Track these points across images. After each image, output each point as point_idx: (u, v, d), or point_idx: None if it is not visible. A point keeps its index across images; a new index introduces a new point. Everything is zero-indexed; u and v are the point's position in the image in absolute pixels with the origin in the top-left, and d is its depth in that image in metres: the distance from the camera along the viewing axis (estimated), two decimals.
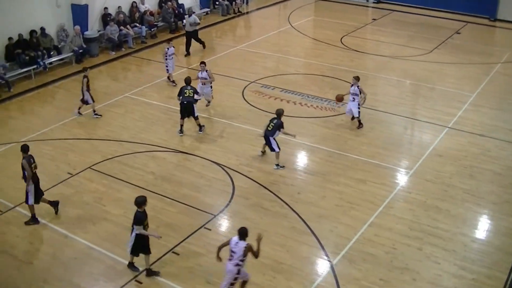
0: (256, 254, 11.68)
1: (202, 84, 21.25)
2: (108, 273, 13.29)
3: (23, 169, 14.67)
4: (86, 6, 27.42)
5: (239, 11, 35.81)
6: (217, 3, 35.56)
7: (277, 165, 17.65)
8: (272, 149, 17.57)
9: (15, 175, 17.06)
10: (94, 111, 21.18)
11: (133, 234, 12.65)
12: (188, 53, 28.15)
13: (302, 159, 18.61)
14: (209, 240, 14.36)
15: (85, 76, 20.54)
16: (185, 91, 19.39)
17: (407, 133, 20.28)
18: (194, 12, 29.05)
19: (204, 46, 28.78)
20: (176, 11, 31.97)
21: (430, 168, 17.66)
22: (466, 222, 15.21)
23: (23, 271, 13.36)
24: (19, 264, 13.60)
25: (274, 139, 17.48)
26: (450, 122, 20.52)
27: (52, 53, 26.42)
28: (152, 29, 30.33)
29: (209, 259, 13.57)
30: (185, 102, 19.33)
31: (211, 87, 21.49)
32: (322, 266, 13.61)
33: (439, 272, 13.29)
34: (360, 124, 20.08)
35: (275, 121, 17.48)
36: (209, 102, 21.86)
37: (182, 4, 33.13)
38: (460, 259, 13.70)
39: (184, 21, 29.54)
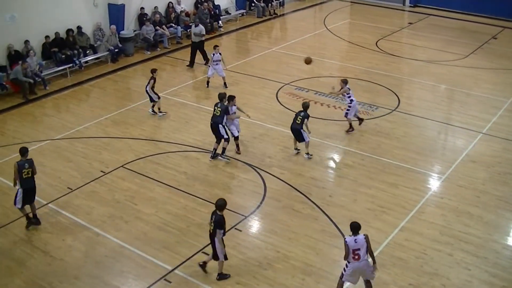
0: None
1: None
2: (138, 272, 13.34)
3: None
4: (123, 5, 27.63)
5: (274, 13, 35.78)
6: (253, 4, 35.56)
7: (307, 153, 18.09)
8: (303, 139, 17.86)
9: (51, 172, 17.36)
10: (159, 109, 21.44)
11: (219, 238, 12.43)
12: (191, 65, 26.83)
13: (334, 162, 18.50)
14: (239, 241, 14.33)
15: (152, 77, 20.75)
16: (215, 108, 18.14)
17: (440, 138, 20.03)
18: (199, 23, 27.13)
19: (206, 62, 26.66)
20: (212, 12, 32.03)
21: (463, 173, 17.41)
22: (498, 229, 14.95)
23: (54, 267, 13.47)
24: (51, 260, 13.72)
25: (303, 130, 17.69)
26: (484, 128, 20.22)
27: (88, 52, 26.72)
28: (187, 30, 30.43)
29: (238, 260, 13.57)
30: (211, 123, 18.15)
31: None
32: None
33: (469, 278, 13.07)
34: (350, 128, 20.02)
35: (302, 113, 17.73)
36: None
37: (218, 5, 33.24)
38: (491, 266, 13.46)
39: (190, 31, 28.17)
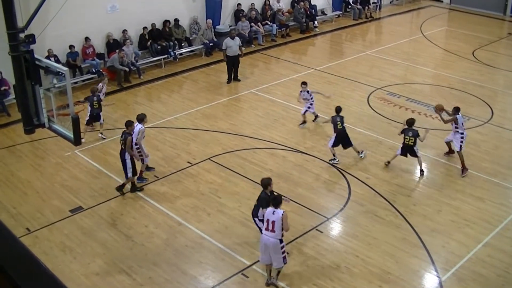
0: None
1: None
2: (216, 264, 13.38)
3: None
4: (220, 0, 27.87)
5: (371, 16, 35.30)
6: (349, 6, 35.21)
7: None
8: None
9: None
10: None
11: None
12: (230, 80, 24.56)
13: (421, 171, 18.00)
14: (319, 243, 14.16)
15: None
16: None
17: None
18: (235, 35, 24.73)
19: (232, 79, 24.56)
20: (308, 12, 31.91)
21: None
22: None
23: (135, 252, 13.69)
24: (133, 245, 13.96)
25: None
26: None
27: (183, 44, 27.10)
28: (282, 28, 30.42)
29: (317, 261, 13.41)
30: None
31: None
32: (430, 281, 13.08)
33: None
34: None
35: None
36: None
37: (315, 5, 33.05)
38: None
39: (225, 44, 24.10)
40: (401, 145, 17.25)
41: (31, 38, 10.12)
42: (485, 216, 15.39)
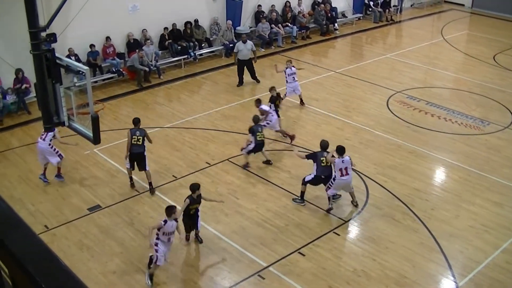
0: None
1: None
2: (233, 265, 13.38)
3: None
4: (241, 2, 27.88)
5: (391, 19, 35.12)
6: (370, 9, 35.06)
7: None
8: None
9: (157, 159, 17.74)
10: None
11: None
12: (241, 83, 24.33)
13: (440, 175, 17.91)
14: (336, 245, 14.13)
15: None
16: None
17: None
18: (247, 39, 24.24)
19: (255, 79, 24.54)
20: (329, 14, 31.83)
21: None
22: None
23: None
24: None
25: None
26: None
27: (203, 45, 27.15)
28: (302, 30, 30.39)
29: (333, 264, 13.39)
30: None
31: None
32: (447, 287, 13.04)
33: None
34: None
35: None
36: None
37: (335, 8, 32.98)
38: None
39: (236, 48, 24.16)
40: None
41: (52, 37, 10.16)
42: (504, 222, 15.25)
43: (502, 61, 27.86)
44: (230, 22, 27.64)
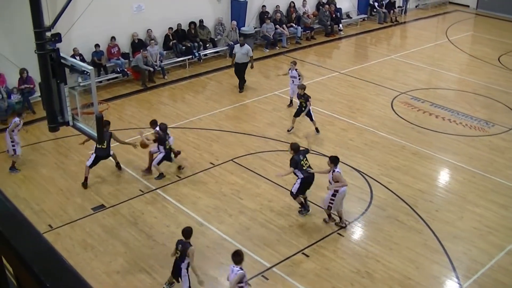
0: None
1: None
2: None
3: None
4: (245, 2, 27.90)
5: (396, 20, 35.09)
6: (374, 10, 35.06)
7: None
8: None
9: None
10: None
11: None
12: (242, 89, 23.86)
13: (444, 177, 17.90)
14: (340, 246, 14.14)
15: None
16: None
17: None
18: (244, 43, 23.82)
19: (241, 89, 23.73)
20: (333, 15, 31.83)
21: None
22: None
23: (156, 251, 13.74)
24: (154, 244, 14.02)
25: None
26: None
27: (207, 45, 27.18)
28: (306, 31, 30.39)
29: (337, 265, 13.37)
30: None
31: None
32: None
33: None
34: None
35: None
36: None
37: (340, 8, 32.96)
38: None
39: (234, 51, 23.80)
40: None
41: (57, 37, 10.21)
42: (508, 223, 15.23)
43: (507, 63, 27.82)
44: (234, 22, 27.65)
